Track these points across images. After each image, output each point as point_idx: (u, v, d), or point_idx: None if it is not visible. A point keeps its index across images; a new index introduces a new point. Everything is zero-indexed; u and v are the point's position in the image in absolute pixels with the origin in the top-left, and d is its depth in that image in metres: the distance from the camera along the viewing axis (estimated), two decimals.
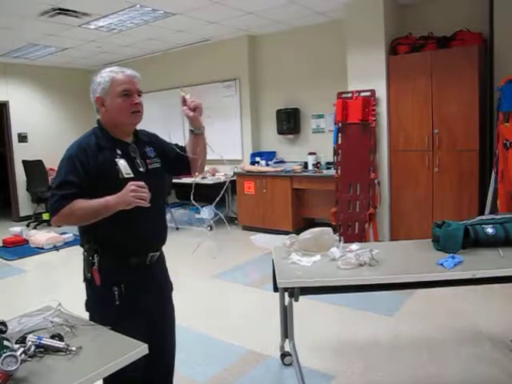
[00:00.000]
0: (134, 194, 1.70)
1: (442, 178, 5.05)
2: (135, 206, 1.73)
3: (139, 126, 2.05)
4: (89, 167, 1.79)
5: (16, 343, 1.45)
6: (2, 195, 9.55)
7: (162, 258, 2.08)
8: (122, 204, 1.73)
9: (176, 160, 2.12)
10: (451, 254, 2.43)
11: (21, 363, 1.31)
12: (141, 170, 1.92)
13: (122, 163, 1.85)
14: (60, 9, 5.19)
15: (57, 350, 1.46)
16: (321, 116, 6.61)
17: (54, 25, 5.83)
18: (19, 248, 6.42)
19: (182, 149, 2.17)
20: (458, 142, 4.92)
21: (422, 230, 4.71)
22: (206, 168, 7.37)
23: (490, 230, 2.61)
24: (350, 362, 2.93)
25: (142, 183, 1.74)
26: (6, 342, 1.37)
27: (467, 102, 4.81)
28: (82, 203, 1.75)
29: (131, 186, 1.72)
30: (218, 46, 7.40)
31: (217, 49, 7.42)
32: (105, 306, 1.84)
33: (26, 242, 6.60)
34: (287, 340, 2.77)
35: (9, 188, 8.73)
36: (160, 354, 2.03)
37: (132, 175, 1.85)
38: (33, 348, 1.44)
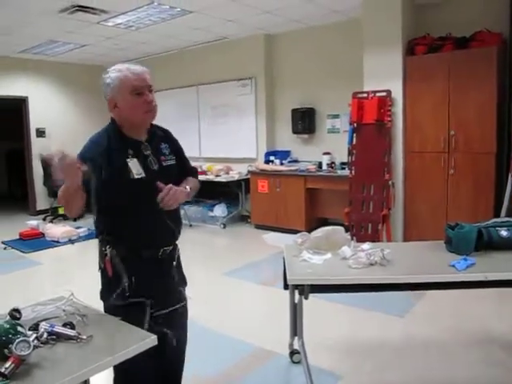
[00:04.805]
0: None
1: (457, 180, 5.00)
2: (144, 201, 1.80)
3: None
4: (100, 169, 1.78)
5: (29, 330, 1.49)
6: (20, 189, 9.72)
7: (176, 253, 2.08)
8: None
9: (181, 174, 2.10)
10: (464, 256, 2.41)
11: (33, 349, 1.34)
12: (153, 168, 1.91)
13: (132, 164, 1.85)
14: (79, 6, 5.27)
15: (68, 338, 1.50)
16: (336, 116, 6.59)
17: (73, 22, 5.92)
18: (35, 241, 6.53)
19: (192, 170, 2.20)
20: (475, 144, 4.86)
21: (436, 233, 4.60)
22: (220, 166, 7.43)
23: (504, 232, 2.58)
24: (359, 362, 2.93)
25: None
26: (19, 328, 1.40)
27: (485, 104, 4.75)
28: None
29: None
30: (234, 45, 7.42)
31: (233, 47, 7.44)
32: (116, 296, 1.87)
33: (42, 235, 6.71)
34: (296, 338, 2.77)
35: (26, 182, 8.87)
36: (171, 347, 2.04)
37: (143, 175, 1.85)
38: (45, 335, 1.47)
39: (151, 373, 1.96)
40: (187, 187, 1.98)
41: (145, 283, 1.89)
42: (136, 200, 1.85)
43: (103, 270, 1.91)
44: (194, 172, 2.22)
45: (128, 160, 1.85)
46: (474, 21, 5.04)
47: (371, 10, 5.40)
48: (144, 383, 1.95)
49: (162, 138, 2.05)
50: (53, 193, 8.31)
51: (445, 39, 5.09)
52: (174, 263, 2.08)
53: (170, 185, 1.85)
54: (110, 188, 1.79)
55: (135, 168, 1.85)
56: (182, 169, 2.12)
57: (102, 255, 1.90)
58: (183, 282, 2.16)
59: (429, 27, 5.35)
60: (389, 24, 5.24)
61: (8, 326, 1.39)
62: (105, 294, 1.94)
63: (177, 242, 2.08)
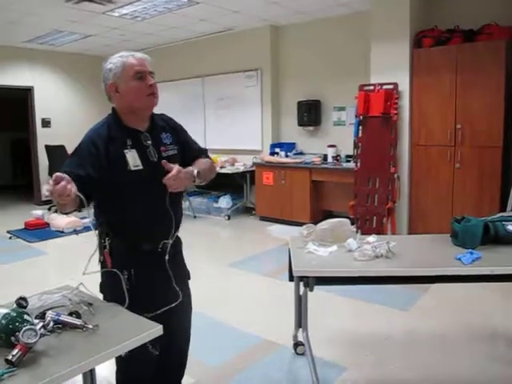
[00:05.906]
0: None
1: (463, 173, 4.98)
2: (142, 193, 1.81)
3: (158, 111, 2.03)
4: (99, 159, 1.78)
5: (36, 318, 1.49)
6: (24, 179, 9.75)
7: (177, 246, 2.05)
8: None
9: (190, 157, 2.06)
10: (470, 250, 2.40)
11: (40, 337, 1.35)
12: (152, 159, 1.87)
13: (130, 155, 1.83)
14: None
15: (74, 327, 1.50)
16: (342, 108, 6.55)
17: (79, 12, 5.89)
18: (40, 231, 6.56)
19: (201, 151, 2.15)
20: (481, 138, 4.83)
21: (441, 226, 4.62)
22: (225, 158, 7.41)
23: (510, 227, 2.56)
24: (363, 355, 2.93)
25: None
26: (26, 316, 1.41)
27: (492, 98, 4.71)
28: None
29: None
30: (240, 36, 7.38)
31: (239, 39, 7.40)
32: (116, 289, 1.84)
33: (47, 225, 6.74)
34: (300, 329, 2.78)
35: (31, 172, 8.90)
36: (174, 338, 2.03)
37: (141, 167, 1.83)
38: (51, 323, 1.48)
39: (153, 363, 1.96)
40: (195, 170, 1.91)
41: (144, 276, 1.88)
42: (134, 192, 1.83)
43: (102, 263, 1.90)
44: (204, 152, 2.16)
45: (126, 151, 1.82)
46: (482, 14, 4.99)
47: (379, 2, 5.35)
48: (146, 374, 1.95)
49: (164, 127, 2.02)
50: None
51: (452, 32, 5.04)
52: (176, 256, 2.04)
53: (179, 167, 1.79)
54: (107, 179, 1.78)
55: (132, 160, 1.82)
56: (190, 152, 2.07)
57: (102, 247, 1.88)
58: (186, 275, 2.14)
59: (437, 19, 5.30)
60: (397, 16, 5.20)
61: (15, 314, 1.39)
62: (104, 288, 1.93)
63: (178, 235, 2.03)
